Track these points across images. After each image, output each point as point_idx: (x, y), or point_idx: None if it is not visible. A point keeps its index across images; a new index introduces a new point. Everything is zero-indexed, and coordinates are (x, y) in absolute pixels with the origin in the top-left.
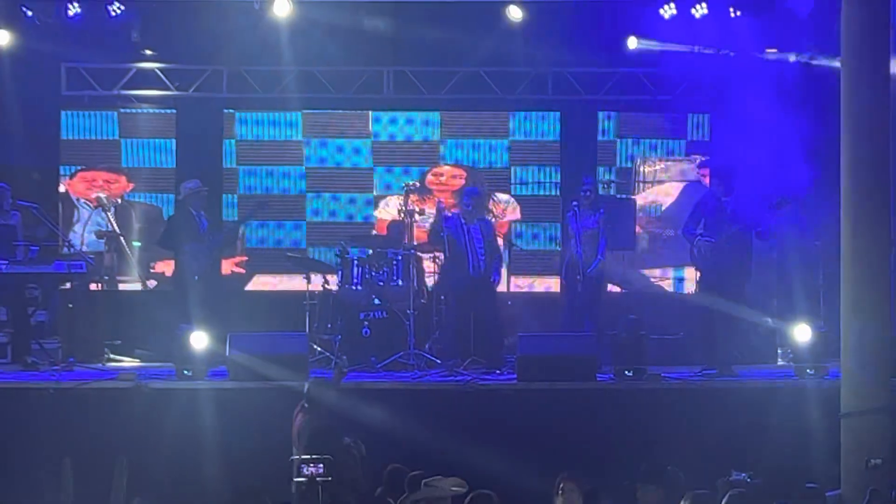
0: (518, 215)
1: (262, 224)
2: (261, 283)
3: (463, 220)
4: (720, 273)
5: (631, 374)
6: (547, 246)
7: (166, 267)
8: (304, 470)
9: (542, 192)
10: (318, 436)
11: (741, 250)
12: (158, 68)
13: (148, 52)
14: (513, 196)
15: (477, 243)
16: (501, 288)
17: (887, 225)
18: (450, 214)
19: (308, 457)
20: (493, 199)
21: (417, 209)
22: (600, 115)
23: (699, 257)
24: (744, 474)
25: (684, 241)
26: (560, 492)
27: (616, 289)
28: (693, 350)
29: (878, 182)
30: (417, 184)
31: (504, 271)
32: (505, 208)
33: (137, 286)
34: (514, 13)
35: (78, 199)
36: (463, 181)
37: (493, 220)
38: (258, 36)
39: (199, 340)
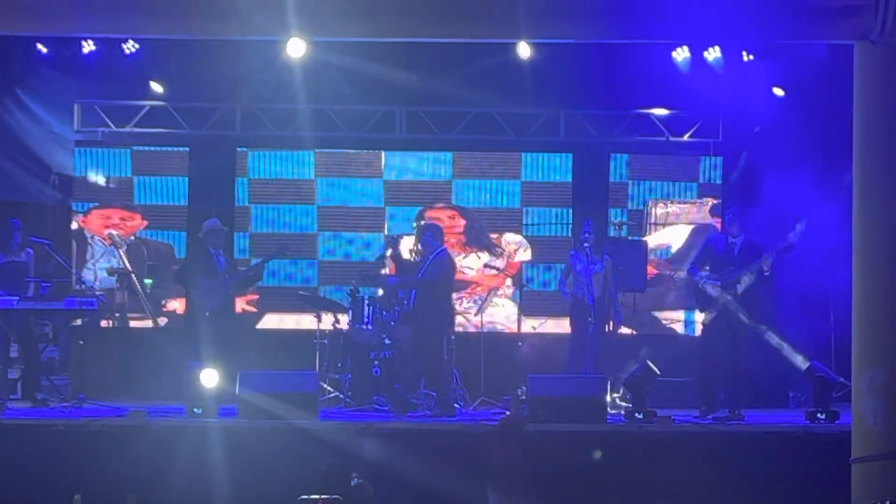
0: (529, 256)
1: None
2: (272, 321)
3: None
4: (727, 316)
5: (641, 416)
6: (557, 287)
7: (178, 304)
8: None
9: (553, 234)
10: (328, 476)
11: (747, 293)
12: (172, 106)
13: (156, 85)
14: (524, 237)
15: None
16: (512, 329)
17: None
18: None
19: (318, 497)
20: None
21: None
22: (612, 156)
23: (703, 300)
24: None
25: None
26: None
27: (627, 331)
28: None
29: (890, 227)
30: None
31: (516, 311)
32: (515, 249)
33: (148, 323)
34: (524, 51)
35: (92, 237)
36: (465, 221)
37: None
38: (272, 75)
39: (210, 378)
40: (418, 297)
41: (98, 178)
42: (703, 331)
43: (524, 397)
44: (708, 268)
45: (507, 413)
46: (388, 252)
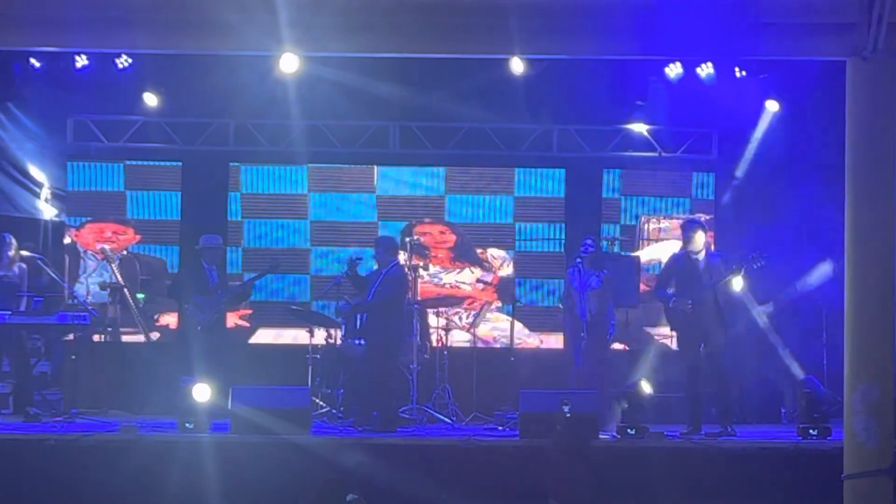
0: (511, 271)
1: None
2: (264, 336)
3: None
4: (698, 333)
5: (633, 432)
6: (552, 302)
7: (170, 319)
8: None
9: (546, 249)
10: (324, 491)
11: (720, 307)
12: (164, 121)
13: (149, 100)
14: (517, 252)
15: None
16: (504, 342)
17: (892, 287)
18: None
19: None
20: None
21: (422, 265)
22: (605, 172)
23: (675, 320)
24: None
25: None
26: None
27: (621, 346)
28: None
29: (882, 244)
30: (421, 239)
31: (509, 325)
32: (500, 264)
33: (140, 338)
34: (517, 66)
35: (85, 251)
36: (455, 237)
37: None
38: (265, 90)
39: (202, 393)
40: (369, 316)
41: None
42: (679, 351)
43: (569, 414)
44: (674, 287)
45: (562, 428)
46: (344, 271)
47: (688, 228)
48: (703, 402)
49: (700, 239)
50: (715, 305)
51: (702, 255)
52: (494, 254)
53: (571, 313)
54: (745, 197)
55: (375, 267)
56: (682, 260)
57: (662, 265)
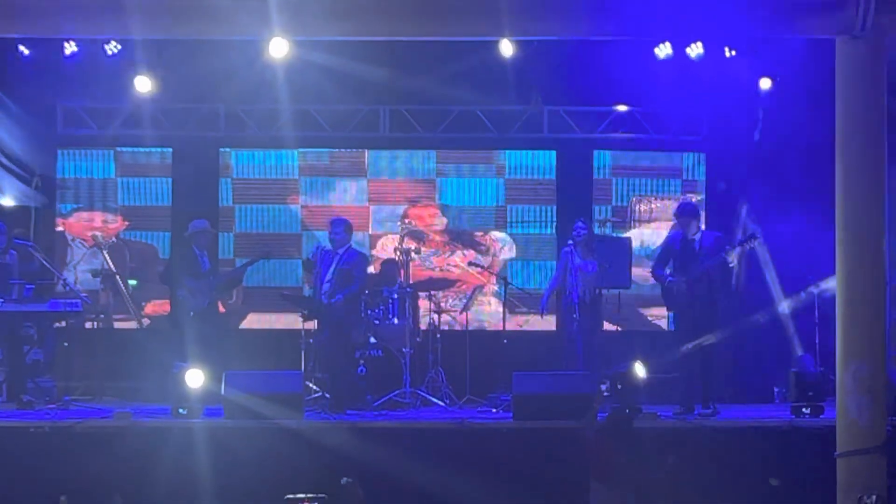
0: (514, 254)
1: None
2: (255, 321)
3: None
4: (694, 313)
5: (627, 412)
6: (543, 284)
7: (157, 307)
8: None
9: (537, 231)
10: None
11: (714, 287)
12: (154, 107)
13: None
14: (508, 234)
15: (325, 272)
16: (497, 326)
17: (883, 265)
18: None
19: (303, 495)
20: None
21: (413, 248)
22: (595, 153)
23: (671, 298)
24: None
25: None
26: None
27: (613, 327)
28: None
29: (872, 222)
30: (413, 223)
31: (501, 309)
32: (501, 247)
33: (133, 324)
34: (506, 48)
35: (73, 239)
36: (446, 220)
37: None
38: (254, 75)
39: (195, 379)
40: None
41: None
42: (674, 331)
43: (607, 393)
44: (671, 267)
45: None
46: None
47: (683, 214)
48: (696, 382)
49: (696, 223)
50: (709, 285)
51: (698, 236)
52: (496, 236)
53: (564, 295)
54: (738, 177)
55: (329, 247)
56: (679, 240)
57: (659, 245)
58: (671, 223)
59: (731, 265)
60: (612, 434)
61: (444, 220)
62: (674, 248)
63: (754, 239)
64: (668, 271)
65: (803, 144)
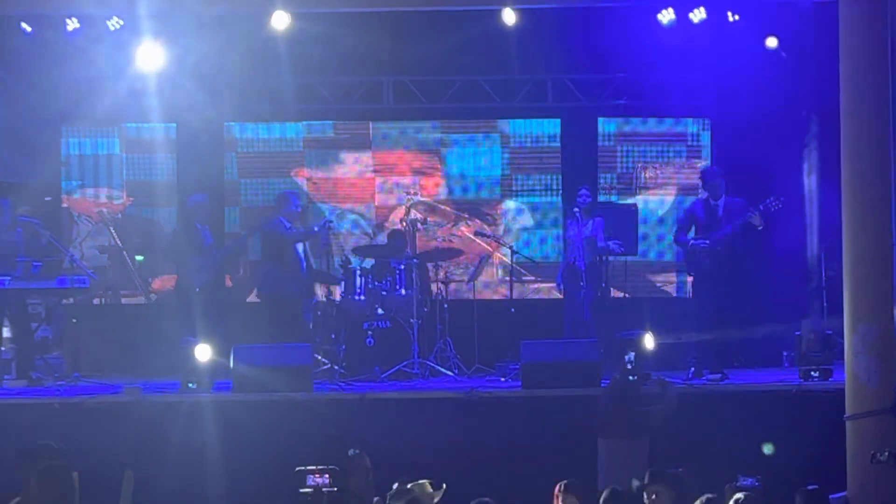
0: (531, 222)
1: None
2: None
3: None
4: (716, 276)
5: (635, 378)
6: (549, 252)
7: (163, 283)
8: (310, 481)
9: (543, 199)
10: (324, 446)
11: (737, 251)
12: (158, 82)
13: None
14: (516, 203)
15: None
16: (504, 294)
17: (889, 226)
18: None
19: (314, 467)
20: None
21: (420, 218)
22: (600, 120)
23: (693, 262)
24: (751, 479)
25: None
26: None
27: (620, 294)
28: (697, 354)
29: (878, 182)
30: (419, 193)
31: (508, 278)
32: (514, 216)
33: (141, 300)
34: (508, 16)
35: (79, 216)
36: (450, 190)
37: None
38: (257, 48)
39: (203, 353)
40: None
41: None
42: (693, 295)
43: (630, 365)
44: (693, 233)
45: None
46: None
47: (713, 177)
48: (705, 347)
49: (723, 185)
50: (734, 249)
51: (721, 201)
52: (509, 205)
53: (567, 262)
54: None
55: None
56: (702, 205)
57: (682, 211)
58: (675, 188)
59: (758, 227)
60: (619, 399)
61: (450, 190)
62: (696, 215)
63: (779, 202)
64: (690, 237)
65: (810, 106)
